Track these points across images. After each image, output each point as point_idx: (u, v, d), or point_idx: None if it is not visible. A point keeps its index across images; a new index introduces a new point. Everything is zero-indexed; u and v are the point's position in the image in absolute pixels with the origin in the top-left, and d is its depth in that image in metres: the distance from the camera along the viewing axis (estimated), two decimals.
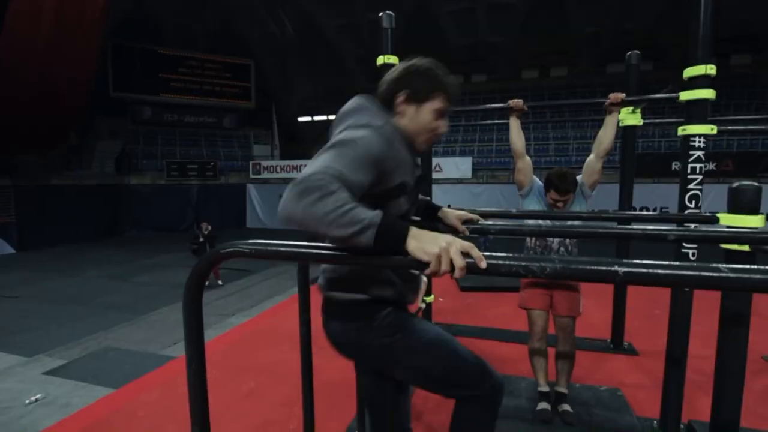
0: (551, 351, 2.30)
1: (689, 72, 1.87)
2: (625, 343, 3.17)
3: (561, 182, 2.07)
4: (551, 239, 2.18)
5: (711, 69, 1.83)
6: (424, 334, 1.14)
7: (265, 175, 16.60)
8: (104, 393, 3.12)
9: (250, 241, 0.84)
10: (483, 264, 0.72)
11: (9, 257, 11.57)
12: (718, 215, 1.49)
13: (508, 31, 16.63)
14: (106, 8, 11.66)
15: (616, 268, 0.59)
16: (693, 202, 1.87)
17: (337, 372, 2.76)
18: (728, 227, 1.44)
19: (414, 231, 0.79)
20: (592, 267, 0.61)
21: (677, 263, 0.59)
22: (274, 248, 0.83)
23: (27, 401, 3.58)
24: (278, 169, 16.48)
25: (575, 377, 2.56)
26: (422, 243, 0.76)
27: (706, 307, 1.62)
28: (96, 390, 3.63)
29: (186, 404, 0.94)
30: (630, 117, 2.85)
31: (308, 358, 1.54)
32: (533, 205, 2.24)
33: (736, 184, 1.47)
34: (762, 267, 0.57)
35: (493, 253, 0.70)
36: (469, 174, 14.40)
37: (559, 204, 2.10)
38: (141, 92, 17.57)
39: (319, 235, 0.81)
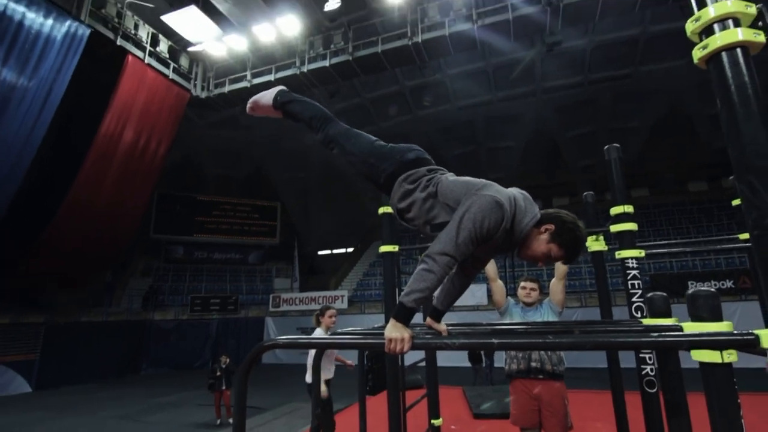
0: None
1: (614, 210, 2.46)
2: None
3: (524, 280, 2.72)
4: None
5: (628, 208, 2.42)
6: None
7: (284, 307, 16.99)
8: None
9: (285, 336, 1.31)
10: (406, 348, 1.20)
11: (24, 396, 11.54)
12: (641, 320, 1.88)
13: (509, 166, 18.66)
14: (163, 161, 13.22)
15: (492, 340, 1.05)
16: (639, 312, 2.26)
17: None
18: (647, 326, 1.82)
19: (397, 323, 1.25)
20: (478, 340, 1.07)
21: (530, 333, 1.04)
22: (302, 341, 1.29)
23: None
24: (297, 301, 16.92)
25: None
26: (392, 328, 1.24)
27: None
28: None
29: None
30: (595, 244, 3.37)
31: None
32: (512, 318, 2.65)
33: (650, 295, 1.90)
34: (580, 336, 1.02)
35: (423, 335, 1.16)
36: (485, 301, 14.54)
37: (529, 291, 2.63)
38: (177, 233, 19.33)
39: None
